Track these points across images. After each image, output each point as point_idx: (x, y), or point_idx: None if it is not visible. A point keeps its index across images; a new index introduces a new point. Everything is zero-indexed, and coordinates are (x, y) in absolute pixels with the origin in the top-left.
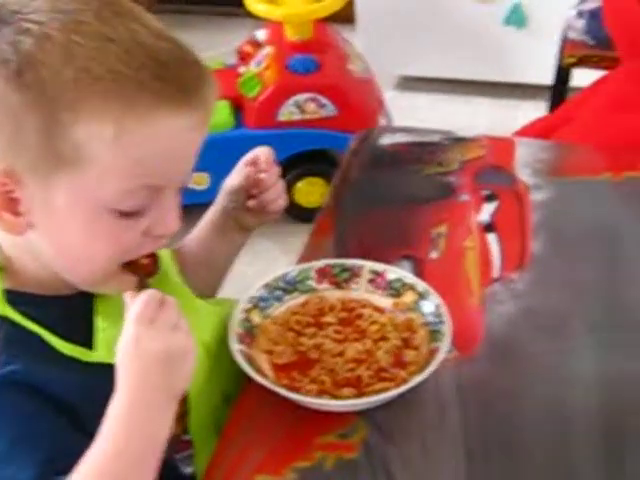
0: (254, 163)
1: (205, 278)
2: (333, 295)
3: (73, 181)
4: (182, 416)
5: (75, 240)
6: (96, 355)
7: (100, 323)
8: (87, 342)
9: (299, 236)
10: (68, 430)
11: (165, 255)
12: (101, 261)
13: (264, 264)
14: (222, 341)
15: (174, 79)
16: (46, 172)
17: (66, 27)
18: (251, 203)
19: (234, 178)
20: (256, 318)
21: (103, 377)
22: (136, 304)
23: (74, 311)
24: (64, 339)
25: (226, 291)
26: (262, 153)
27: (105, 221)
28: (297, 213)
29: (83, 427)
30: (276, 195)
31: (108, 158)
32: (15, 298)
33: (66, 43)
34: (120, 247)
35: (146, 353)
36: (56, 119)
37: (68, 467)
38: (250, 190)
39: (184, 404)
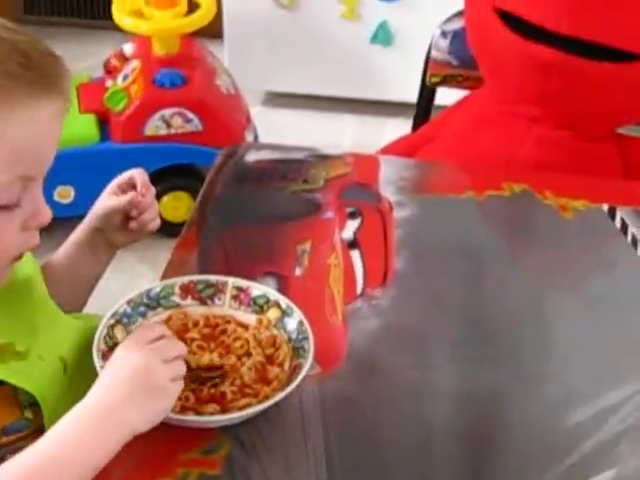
0: (132, 185)
1: (71, 295)
2: (197, 311)
3: None
4: (39, 430)
5: None
6: None
7: None
8: None
9: (164, 250)
10: None
11: (30, 264)
12: None
13: (129, 279)
14: (81, 357)
15: (39, 68)
16: None
17: None
18: (132, 225)
19: (108, 199)
20: (119, 334)
21: None
22: (141, 325)
23: None
24: None
25: (90, 306)
26: (138, 175)
27: None
28: (163, 228)
29: None
30: (154, 215)
31: None
32: None
33: None
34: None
35: (125, 366)
36: None
37: None
38: (129, 212)
39: (41, 416)
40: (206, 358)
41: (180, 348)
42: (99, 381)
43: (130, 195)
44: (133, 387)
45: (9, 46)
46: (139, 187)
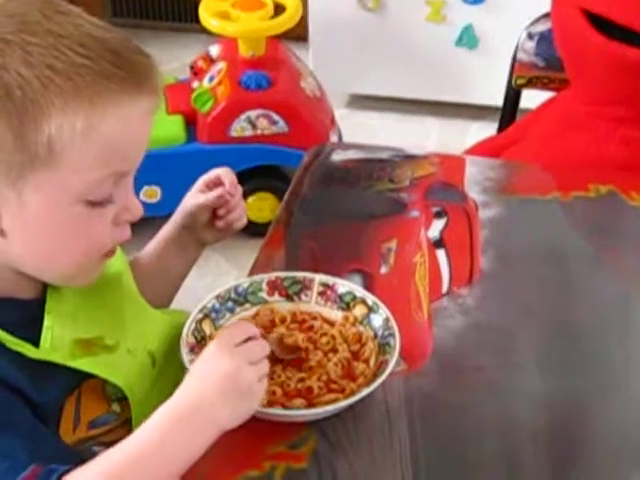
0: (219, 183)
1: (159, 291)
2: (284, 307)
3: (47, 178)
4: (127, 422)
5: (48, 239)
6: (40, 352)
7: (47, 322)
8: (38, 342)
9: (249, 251)
10: (38, 423)
11: (120, 260)
12: (75, 256)
13: (213, 278)
14: (170, 351)
15: (131, 66)
16: (19, 174)
17: (18, 29)
18: (219, 223)
19: (196, 197)
20: (207, 329)
21: (51, 376)
22: (230, 326)
23: (29, 314)
24: (13, 336)
25: (176, 304)
26: (226, 174)
27: (77, 214)
28: (247, 228)
29: (43, 424)
30: (241, 214)
31: (81, 150)
32: None
33: (23, 44)
34: (92, 239)
35: (215, 369)
36: (26, 119)
37: (46, 459)
38: (217, 210)
39: (128, 409)
40: (292, 339)
41: (265, 348)
42: (187, 382)
43: (218, 191)
44: (222, 390)
45: (101, 45)
46: (227, 185)
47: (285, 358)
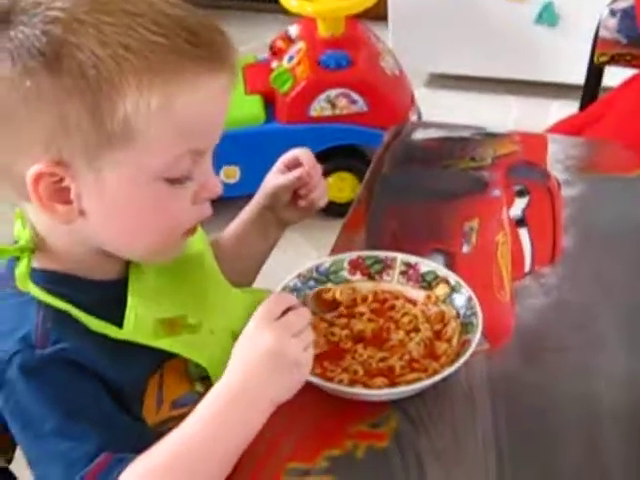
0: (298, 164)
1: (241, 271)
2: (366, 286)
3: (125, 157)
4: None
5: (128, 218)
6: (123, 332)
7: (131, 302)
8: (120, 323)
9: (329, 231)
10: (114, 407)
11: (201, 239)
12: (155, 234)
13: (294, 258)
14: None
15: (207, 44)
16: (97, 153)
17: (92, 8)
18: (302, 203)
19: (277, 178)
20: None
21: (133, 356)
22: (267, 300)
23: (111, 294)
24: (94, 317)
25: (256, 283)
26: (304, 154)
27: (156, 191)
28: (327, 208)
29: (125, 405)
30: (322, 193)
31: (157, 128)
32: (46, 277)
33: (96, 23)
34: (172, 217)
35: (258, 347)
36: (102, 98)
37: (119, 444)
38: (298, 190)
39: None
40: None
41: (306, 316)
42: (232, 363)
43: (298, 172)
44: (268, 367)
45: (176, 23)
46: (306, 166)
47: (323, 315)
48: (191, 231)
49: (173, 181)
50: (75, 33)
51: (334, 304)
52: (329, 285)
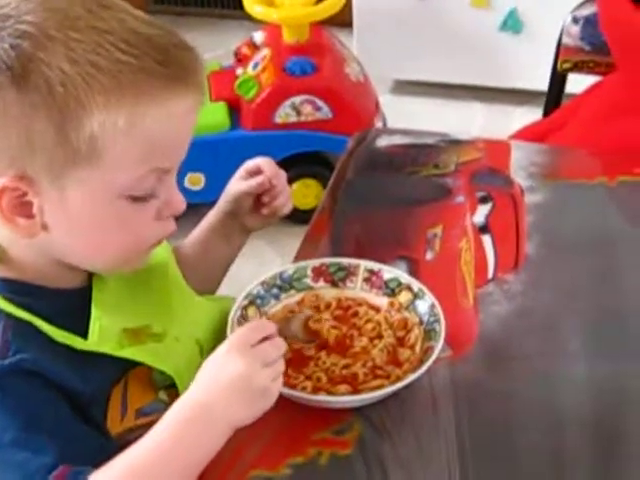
0: (260, 172)
1: (205, 277)
2: (329, 293)
3: (89, 174)
4: None
5: (91, 233)
6: (89, 343)
7: (95, 313)
8: (84, 333)
9: (293, 237)
10: (74, 419)
11: (165, 248)
12: (118, 249)
13: (258, 265)
14: (216, 338)
15: (176, 63)
16: (61, 170)
17: (62, 24)
18: (264, 210)
19: (239, 184)
20: (253, 315)
21: (97, 365)
22: (246, 325)
23: (73, 304)
24: (57, 327)
25: (220, 290)
26: (265, 162)
27: (119, 209)
28: (291, 214)
29: (87, 416)
30: (285, 200)
31: (123, 146)
32: (7, 286)
33: (66, 40)
34: (135, 233)
35: (228, 371)
36: (68, 116)
37: (78, 456)
38: (261, 197)
39: (176, 397)
40: (318, 325)
41: (281, 347)
42: (199, 381)
43: (259, 178)
44: (235, 391)
45: (146, 41)
46: (267, 172)
47: (302, 341)
48: (155, 245)
49: (137, 199)
50: (44, 49)
51: (317, 336)
52: (292, 292)
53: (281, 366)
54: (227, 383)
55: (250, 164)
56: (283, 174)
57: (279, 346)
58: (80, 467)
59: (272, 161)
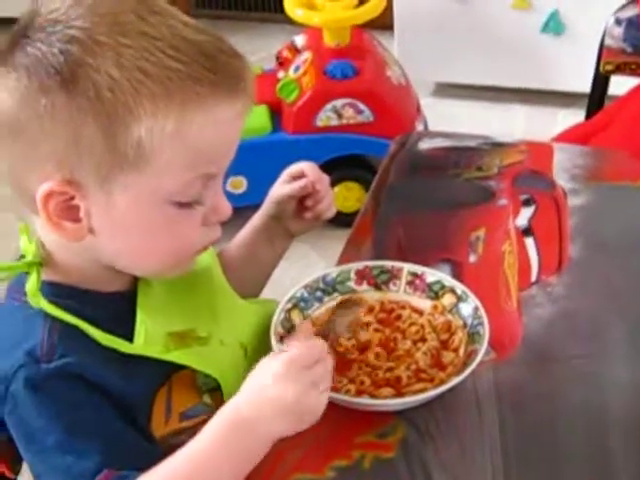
0: (302, 175)
1: (248, 281)
2: (372, 296)
3: (136, 179)
4: None
5: (138, 237)
6: (134, 347)
7: (140, 316)
8: (129, 336)
9: (335, 240)
10: (119, 422)
11: (209, 253)
12: (164, 255)
13: (301, 268)
14: (260, 341)
15: (224, 70)
16: (108, 174)
17: (111, 30)
18: (308, 214)
19: (282, 188)
20: (296, 318)
21: (142, 369)
22: (301, 345)
23: (118, 307)
24: (103, 330)
25: (263, 293)
26: (308, 166)
27: (166, 214)
28: (334, 218)
29: (131, 419)
30: (329, 204)
31: (170, 152)
32: (53, 290)
33: (115, 46)
34: (181, 239)
35: (278, 392)
36: (116, 121)
37: (122, 459)
38: (304, 201)
39: (222, 402)
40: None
41: (329, 365)
42: (247, 389)
43: (302, 181)
44: (282, 411)
45: (194, 48)
46: (310, 177)
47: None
48: (201, 252)
49: (183, 205)
50: (93, 54)
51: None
52: (335, 295)
53: (329, 382)
54: (276, 403)
55: (293, 168)
56: (326, 178)
57: (329, 367)
58: (124, 472)
59: (315, 165)
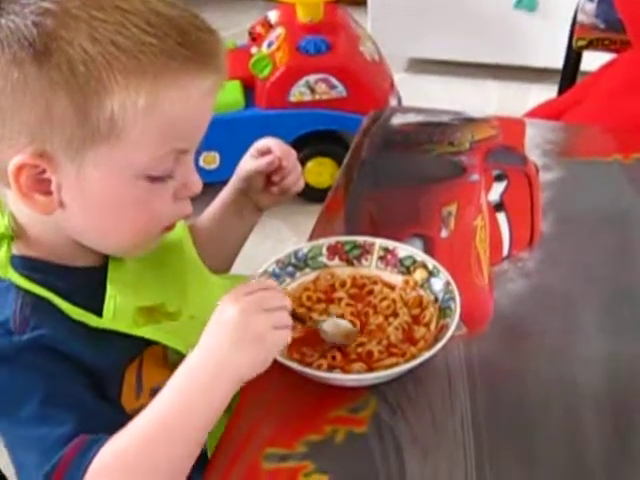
0: (268, 151)
1: (218, 255)
2: (344, 271)
3: (108, 153)
4: None
5: (108, 213)
6: (103, 321)
7: (110, 291)
8: (100, 310)
9: (308, 216)
10: (91, 393)
11: (181, 227)
12: (133, 230)
13: (273, 243)
14: None
15: (197, 44)
16: (81, 148)
17: (85, 3)
18: (274, 189)
19: (250, 163)
20: None
21: (113, 343)
22: (244, 284)
23: (90, 281)
24: (74, 304)
25: (236, 269)
26: (273, 142)
27: (137, 189)
28: (306, 193)
29: (102, 392)
30: (296, 179)
31: (142, 126)
32: (25, 263)
33: (89, 19)
34: (152, 214)
35: (223, 320)
36: (89, 95)
37: (96, 429)
38: (271, 176)
39: None
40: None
41: (282, 299)
42: (201, 338)
43: (269, 157)
44: (234, 338)
45: (167, 22)
46: (277, 152)
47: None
48: (169, 228)
49: (155, 179)
50: (66, 27)
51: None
52: (307, 270)
53: (284, 317)
54: (222, 331)
55: (260, 143)
56: (293, 153)
57: (279, 297)
58: (98, 435)
59: (281, 141)
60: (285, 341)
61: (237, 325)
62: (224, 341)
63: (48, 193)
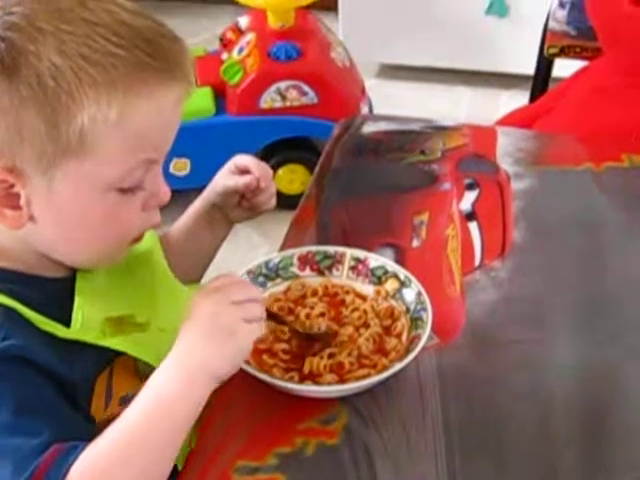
0: (247, 169)
1: (189, 266)
2: (315, 282)
3: (78, 167)
4: None
5: (78, 226)
6: (71, 332)
7: (78, 301)
8: (69, 321)
9: (279, 223)
10: (64, 402)
11: (151, 237)
12: (102, 242)
13: (245, 251)
14: None
15: (164, 55)
16: (50, 162)
17: (52, 16)
18: (245, 204)
19: (228, 179)
20: None
21: (82, 354)
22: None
23: (60, 292)
24: (43, 315)
25: (207, 279)
26: (254, 164)
27: (107, 201)
28: (278, 200)
29: (75, 402)
30: (268, 197)
31: (113, 139)
32: None
33: (56, 32)
34: (121, 225)
35: (194, 316)
36: (59, 110)
37: (69, 438)
38: (245, 193)
39: None
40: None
41: (252, 291)
42: (177, 338)
43: (248, 178)
44: (204, 332)
45: (135, 33)
46: (256, 173)
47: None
48: (137, 239)
49: (125, 190)
50: (34, 41)
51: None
52: (278, 280)
53: (256, 310)
54: (194, 327)
55: (239, 161)
56: (270, 173)
57: (247, 290)
58: (74, 442)
59: (260, 161)
60: (257, 333)
61: (206, 319)
62: (196, 337)
63: (17, 208)
